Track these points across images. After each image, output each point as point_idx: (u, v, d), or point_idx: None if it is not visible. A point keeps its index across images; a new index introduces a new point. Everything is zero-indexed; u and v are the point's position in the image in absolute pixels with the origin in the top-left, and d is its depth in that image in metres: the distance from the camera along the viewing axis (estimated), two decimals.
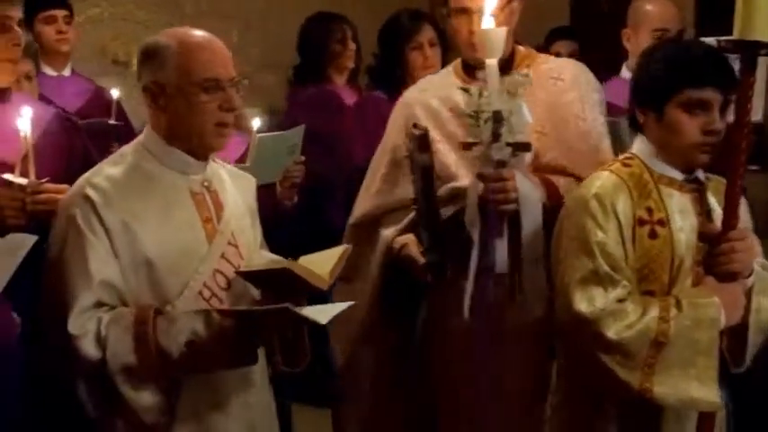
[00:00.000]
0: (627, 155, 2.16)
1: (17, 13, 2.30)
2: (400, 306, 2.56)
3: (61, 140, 2.47)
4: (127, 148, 2.06)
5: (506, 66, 2.26)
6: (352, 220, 2.61)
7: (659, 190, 2.07)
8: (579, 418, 2.17)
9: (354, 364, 2.63)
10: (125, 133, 3.54)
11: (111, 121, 3.57)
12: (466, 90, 2.18)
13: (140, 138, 2.06)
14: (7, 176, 2.06)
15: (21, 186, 2.04)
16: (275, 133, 3.12)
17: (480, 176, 2.11)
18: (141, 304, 1.87)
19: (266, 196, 2.96)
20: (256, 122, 3.10)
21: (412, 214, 2.35)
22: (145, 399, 1.82)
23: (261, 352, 1.99)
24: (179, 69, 1.90)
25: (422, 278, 2.31)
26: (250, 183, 2.26)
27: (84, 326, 1.80)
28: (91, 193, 1.86)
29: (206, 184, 2.03)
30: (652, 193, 2.07)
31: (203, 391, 1.94)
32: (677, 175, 2.08)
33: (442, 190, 2.33)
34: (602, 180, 2.08)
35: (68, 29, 3.87)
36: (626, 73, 3.31)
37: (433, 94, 2.47)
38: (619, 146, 2.66)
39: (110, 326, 1.81)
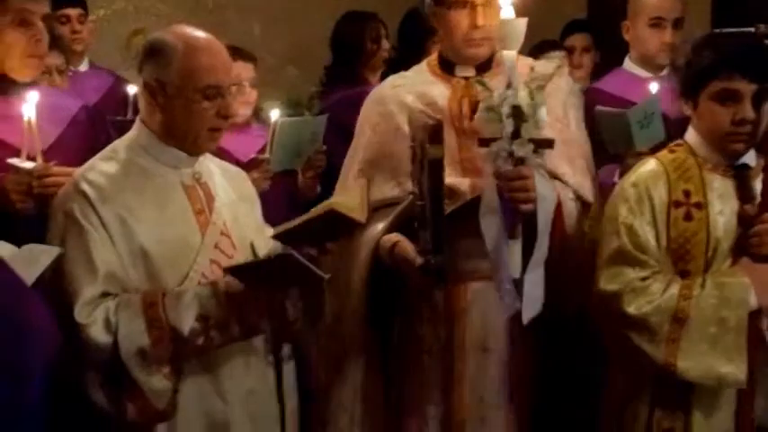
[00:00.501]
0: (678, 141, 2.24)
1: (40, 7, 2.32)
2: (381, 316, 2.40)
3: (87, 132, 2.47)
4: (119, 144, 2.07)
5: (485, 66, 2.29)
6: None
7: (702, 175, 2.14)
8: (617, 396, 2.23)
9: (339, 381, 2.43)
10: None
11: (130, 117, 3.49)
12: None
13: (131, 133, 2.07)
14: (13, 161, 2.09)
15: (27, 171, 2.07)
16: (296, 118, 3.10)
17: (499, 174, 2.03)
18: (147, 289, 1.90)
19: (286, 184, 3.07)
20: (275, 113, 3.09)
21: (397, 210, 2.24)
22: (157, 383, 1.83)
23: (260, 341, 2.05)
24: (183, 72, 1.93)
25: (418, 281, 2.16)
26: (240, 174, 2.29)
27: (91, 314, 1.81)
28: (86, 188, 1.89)
29: (197, 176, 2.05)
30: (693, 177, 2.14)
31: (206, 380, 1.95)
32: (721, 161, 2.13)
33: None
34: (643, 167, 2.20)
35: (82, 27, 3.88)
36: (628, 64, 3.28)
37: (407, 90, 2.35)
38: (624, 138, 2.75)
39: (119, 311, 1.83)
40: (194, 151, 2.03)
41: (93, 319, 1.82)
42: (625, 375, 2.21)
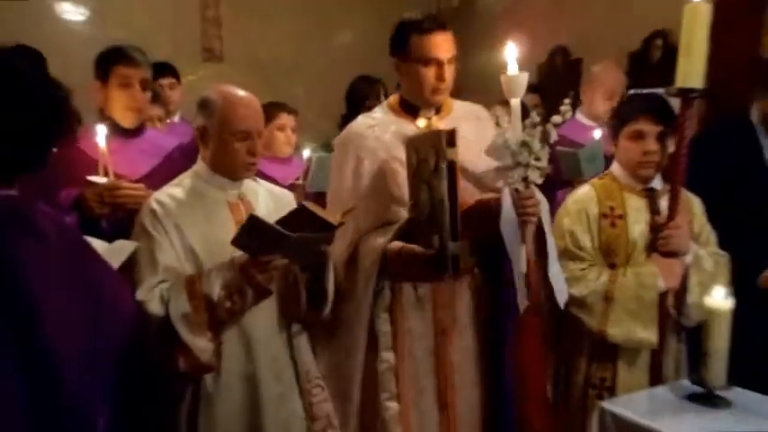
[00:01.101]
0: (606, 171, 2.62)
1: (137, 74, 2.58)
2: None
3: (179, 165, 2.54)
4: (186, 173, 2.26)
5: (438, 109, 2.38)
6: (346, 256, 2.34)
7: (622, 195, 2.49)
8: (565, 355, 2.56)
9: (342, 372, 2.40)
10: None
11: None
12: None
13: (195, 166, 2.26)
14: (91, 178, 2.32)
15: (99, 185, 2.31)
16: (326, 154, 3.33)
17: (516, 192, 2.09)
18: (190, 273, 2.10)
19: (318, 201, 3.06)
20: (306, 152, 3.48)
21: (398, 225, 2.27)
22: (200, 342, 2.01)
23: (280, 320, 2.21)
24: (221, 120, 2.13)
25: (427, 271, 2.14)
26: (284, 194, 2.43)
27: (149, 293, 2.02)
28: (155, 206, 2.12)
29: (240, 196, 2.24)
30: (616, 197, 2.49)
31: (240, 345, 2.15)
32: (636, 185, 2.50)
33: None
34: (581, 189, 2.60)
35: (172, 93, 4.14)
36: (579, 116, 3.70)
37: (383, 130, 2.37)
38: (575, 169, 3.12)
39: (169, 290, 2.03)
40: (235, 178, 2.21)
41: (152, 297, 2.01)
42: (570, 339, 2.51)
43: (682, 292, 2.38)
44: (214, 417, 2.13)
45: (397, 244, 2.23)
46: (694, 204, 2.57)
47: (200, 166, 2.25)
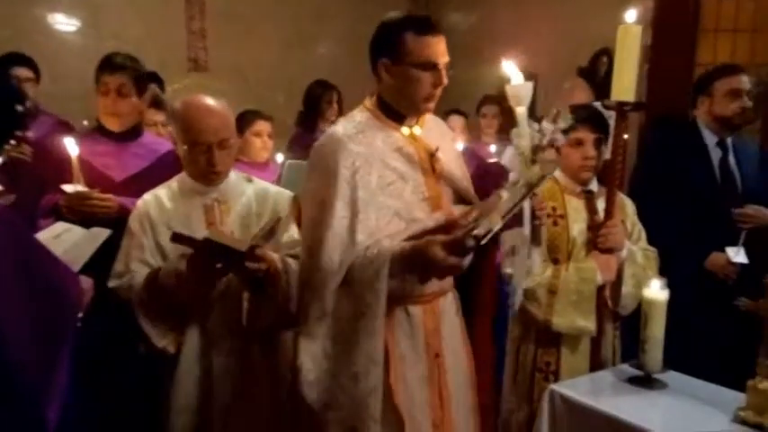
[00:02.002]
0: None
1: (114, 81, 2.52)
2: None
3: (172, 169, 2.51)
4: (176, 176, 2.27)
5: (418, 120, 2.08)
6: (330, 266, 1.87)
7: (564, 197, 2.52)
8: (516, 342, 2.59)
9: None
10: None
11: None
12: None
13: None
14: (63, 186, 2.31)
15: (68, 193, 2.31)
16: (298, 161, 3.33)
17: (534, 196, 1.97)
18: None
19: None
20: (279, 157, 3.52)
21: (415, 229, 1.93)
22: (155, 328, 2.08)
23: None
24: (182, 131, 2.11)
25: (447, 264, 1.78)
26: (278, 195, 2.33)
27: (117, 281, 2.12)
28: (139, 204, 2.19)
29: (218, 199, 2.21)
30: (558, 198, 2.52)
31: (200, 341, 2.15)
32: (576, 188, 2.54)
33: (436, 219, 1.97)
34: None
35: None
36: None
37: (372, 136, 1.97)
38: None
39: (134, 278, 2.10)
40: (206, 184, 2.19)
41: (120, 284, 2.11)
42: (520, 327, 2.55)
43: (617, 284, 2.42)
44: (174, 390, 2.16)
45: (406, 242, 1.88)
46: (627, 205, 2.63)
47: (183, 172, 2.25)
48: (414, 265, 1.84)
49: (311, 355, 1.90)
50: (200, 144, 2.08)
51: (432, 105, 2.04)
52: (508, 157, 2.14)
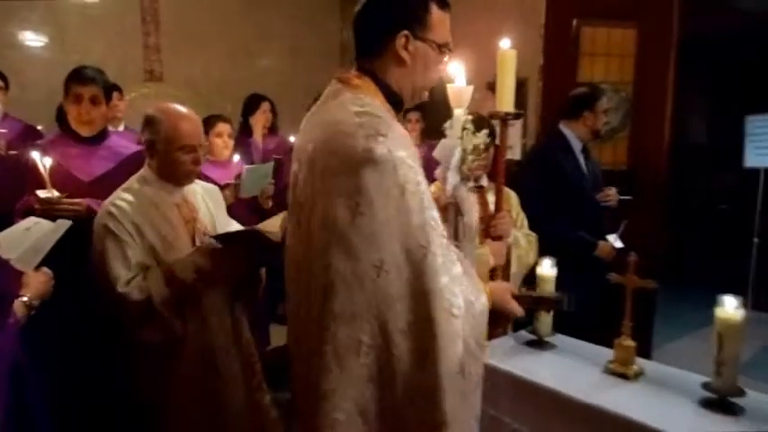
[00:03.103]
0: None
1: (88, 91, 2.47)
2: None
3: (137, 168, 2.61)
4: (134, 179, 2.15)
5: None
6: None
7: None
8: None
9: None
10: None
11: None
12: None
13: (142, 171, 2.16)
14: (38, 192, 2.28)
15: (41, 198, 2.28)
16: (255, 165, 3.44)
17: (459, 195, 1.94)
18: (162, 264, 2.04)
19: (252, 203, 3.35)
20: (236, 157, 3.51)
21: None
22: (175, 319, 2.01)
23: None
24: (167, 136, 2.04)
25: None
26: (214, 189, 2.37)
27: (127, 286, 1.96)
28: (113, 210, 2.03)
29: (184, 198, 2.18)
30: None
31: (200, 323, 2.07)
32: (470, 183, 2.34)
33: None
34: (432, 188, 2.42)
35: (120, 103, 4.08)
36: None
37: (398, 131, 1.37)
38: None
39: (147, 279, 1.99)
40: (179, 184, 2.15)
41: (131, 289, 1.96)
42: None
43: (507, 266, 2.46)
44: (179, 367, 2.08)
45: (486, 298, 1.45)
46: (512, 197, 2.71)
47: (147, 172, 2.15)
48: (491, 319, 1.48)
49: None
50: (187, 146, 2.06)
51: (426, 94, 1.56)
52: (439, 151, 2.02)
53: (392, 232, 1.21)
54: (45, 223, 2.00)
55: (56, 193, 2.30)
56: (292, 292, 1.47)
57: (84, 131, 2.54)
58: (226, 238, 2.04)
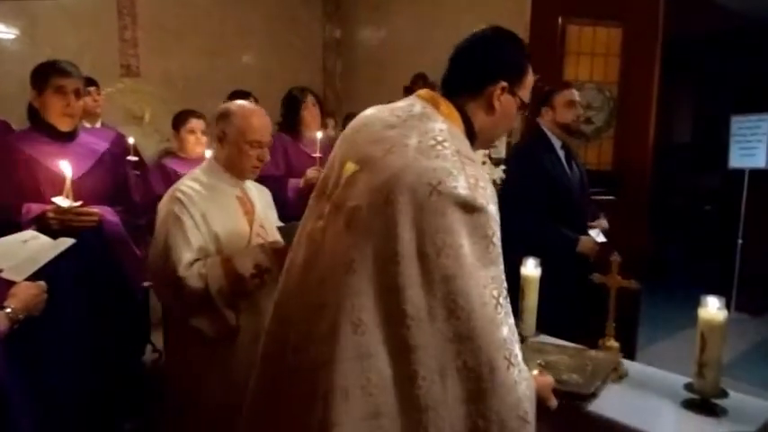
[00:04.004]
0: None
1: (71, 83, 2.49)
2: None
3: (110, 166, 2.66)
4: (199, 169, 2.24)
5: None
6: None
7: None
8: None
9: None
10: (139, 164, 3.77)
11: (129, 157, 3.64)
12: None
13: (205, 164, 2.27)
14: (56, 199, 2.31)
15: (63, 208, 2.30)
16: None
17: None
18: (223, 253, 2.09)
19: None
20: (208, 153, 3.25)
21: None
22: (229, 312, 2.05)
23: None
24: (239, 129, 2.14)
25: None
26: (264, 189, 2.43)
27: (188, 270, 2.00)
28: (180, 196, 2.09)
29: (243, 191, 2.26)
30: None
31: (255, 316, 2.07)
32: None
33: None
34: None
35: (99, 98, 4.06)
36: None
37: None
38: None
39: (206, 267, 2.02)
40: (242, 177, 2.25)
41: (191, 274, 2.00)
42: None
43: None
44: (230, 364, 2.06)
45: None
46: None
47: (212, 164, 2.24)
48: None
49: None
50: (256, 141, 2.15)
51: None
52: None
53: (472, 279, 1.24)
54: (45, 239, 1.99)
55: (74, 203, 2.30)
56: (296, 290, 1.44)
57: (66, 125, 2.53)
58: (287, 230, 2.02)
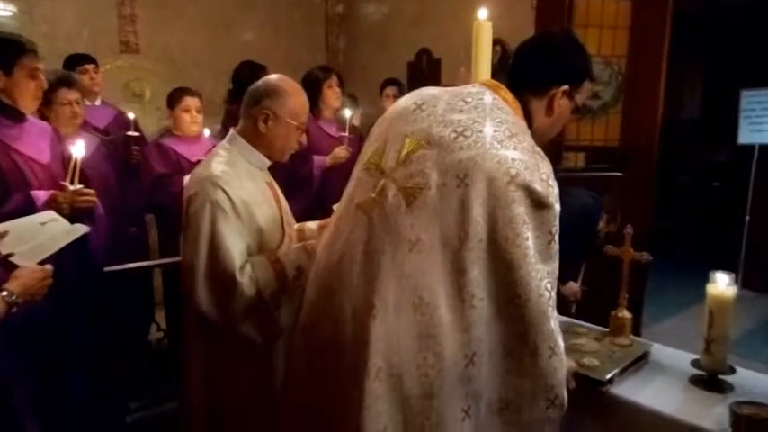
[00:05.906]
0: None
1: (42, 64, 2.40)
2: None
3: (103, 160, 2.71)
4: (220, 150, 2.01)
5: None
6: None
7: None
8: None
9: None
10: (141, 140, 3.87)
11: (130, 133, 3.78)
12: None
13: (226, 143, 2.03)
14: (64, 183, 2.28)
15: (71, 190, 2.28)
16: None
17: None
18: (266, 253, 1.95)
19: None
20: (207, 132, 3.47)
21: None
22: (278, 314, 1.93)
23: None
24: (291, 110, 1.97)
25: None
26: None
27: (242, 275, 1.83)
28: (219, 182, 1.86)
29: (270, 177, 2.13)
30: None
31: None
32: None
33: None
34: None
35: (96, 76, 3.98)
36: None
37: None
38: None
39: (256, 271, 1.87)
40: (279, 159, 2.07)
41: (245, 278, 1.84)
42: None
43: None
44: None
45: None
46: None
47: (236, 141, 2.02)
48: None
49: None
50: (302, 124, 2.04)
51: None
52: None
53: (533, 271, 1.33)
54: (63, 222, 1.99)
55: (78, 185, 2.31)
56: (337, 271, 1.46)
57: (32, 108, 2.45)
58: None
